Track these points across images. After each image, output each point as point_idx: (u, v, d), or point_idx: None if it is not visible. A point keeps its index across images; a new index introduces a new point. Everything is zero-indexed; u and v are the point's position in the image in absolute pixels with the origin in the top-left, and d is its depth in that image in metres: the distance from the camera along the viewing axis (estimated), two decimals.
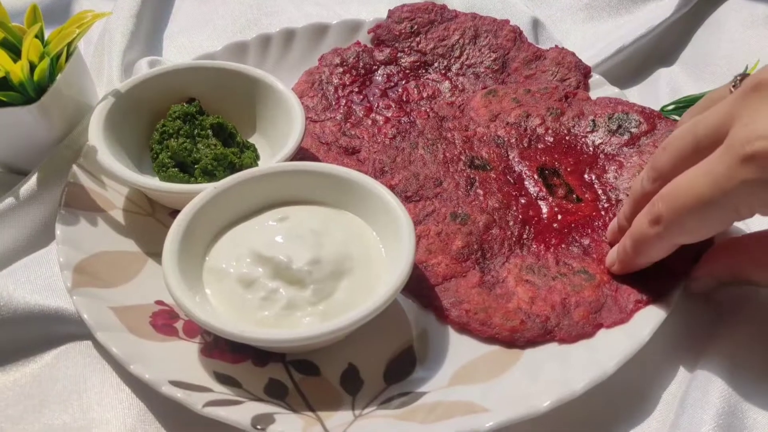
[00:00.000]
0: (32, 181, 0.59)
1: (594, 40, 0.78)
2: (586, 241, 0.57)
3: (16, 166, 0.63)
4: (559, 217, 0.58)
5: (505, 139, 0.65)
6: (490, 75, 0.72)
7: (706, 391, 0.47)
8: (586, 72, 0.71)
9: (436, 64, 0.73)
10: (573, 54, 0.72)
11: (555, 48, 0.73)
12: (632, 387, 0.50)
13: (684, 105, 0.69)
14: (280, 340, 0.47)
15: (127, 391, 0.50)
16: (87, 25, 0.60)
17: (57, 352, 0.52)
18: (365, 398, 0.49)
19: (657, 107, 0.70)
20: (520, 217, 0.59)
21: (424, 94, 0.71)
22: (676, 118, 0.70)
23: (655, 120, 0.64)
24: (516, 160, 0.63)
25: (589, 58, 0.74)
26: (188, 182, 0.58)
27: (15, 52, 0.60)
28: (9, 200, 0.58)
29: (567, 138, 0.64)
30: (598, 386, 0.47)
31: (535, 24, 0.78)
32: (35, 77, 0.58)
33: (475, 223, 0.58)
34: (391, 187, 0.59)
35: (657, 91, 0.74)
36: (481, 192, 0.61)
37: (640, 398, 0.50)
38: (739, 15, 0.76)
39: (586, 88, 0.70)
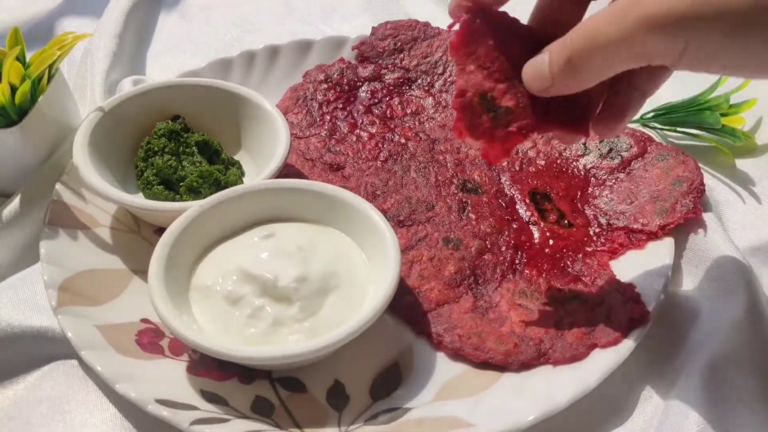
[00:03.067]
0: (15, 204, 0.59)
1: None
2: (577, 267, 0.57)
3: None
4: (551, 242, 0.59)
5: None
6: None
7: (688, 397, 0.48)
8: None
9: (419, 81, 0.74)
10: None
11: None
12: (615, 396, 0.51)
13: (663, 113, 0.70)
14: (266, 357, 0.47)
15: (112, 411, 0.49)
16: (68, 46, 0.60)
17: (40, 373, 0.51)
18: (351, 414, 0.49)
19: (637, 115, 0.71)
20: (512, 242, 0.59)
21: (408, 111, 0.71)
22: (656, 125, 0.71)
23: (645, 143, 0.65)
24: (507, 183, 0.63)
25: None
26: (173, 200, 0.58)
27: None
28: None
29: (558, 162, 0.64)
30: (582, 398, 0.48)
31: None
32: (16, 100, 0.58)
33: (467, 248, 0.58)
34: (384, 211, 0.59)
35: None
36: (473, 216, 0.61)
37: (624, 407, 0.50)
38: None
39: None
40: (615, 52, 0.40)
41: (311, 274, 0.51)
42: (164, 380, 0.49)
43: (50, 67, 0.60)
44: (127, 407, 0.49)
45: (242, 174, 0.63)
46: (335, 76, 0.73)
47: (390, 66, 0.75)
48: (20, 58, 0.60)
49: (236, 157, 0.65)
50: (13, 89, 0.58)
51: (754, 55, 0.38)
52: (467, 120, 0.44)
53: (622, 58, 0.40)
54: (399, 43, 0.76)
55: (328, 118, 0.70)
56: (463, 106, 0.44)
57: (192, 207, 0.54)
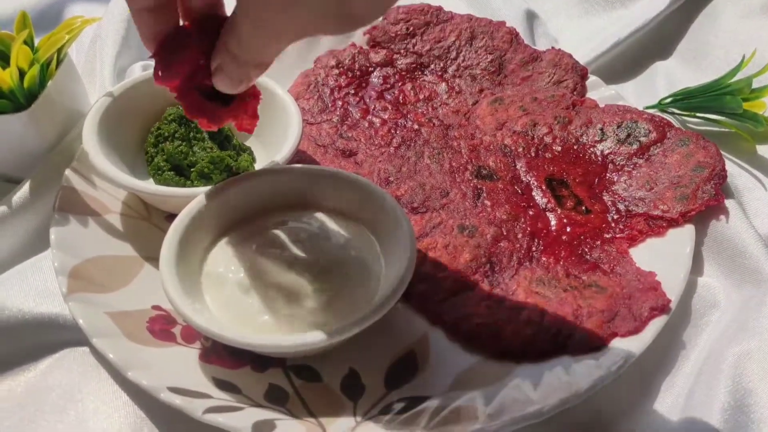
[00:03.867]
0: (25, 190, 0.59)
1: (590, 35, 0.78)
2: (595, 254, 0.56)
3: (8, 175, 0.62)
4: (568, 229, 0.58)
5: (512, 148, 0.64)
6: (487, 77, 0.72)
7: (711, 387, 0.47)
8: (582, 73, 0.71)
9: (432, 66, 0.73)
10: (570, 55, 0.72)
11: (552, 50, 0.73)
12: (636, 385, 0.50)
13: (681, 98, 0.69)
14: (279, 345, 0.46)
15: (124, 399, 0.49)
16: (77, 30, 0.59)
17: (51, 360, 0.51)
18: (366, 404, 0.48)
19: (654, 100, 0.70)
20: (529, 229, 0.58)
21: (421, 96, 0.70)
22: (675, 111, 0.70)
23: (664, 128, 0.64)
24: (523, 170, 0.62)
25: (585, 53, 0.74)
26: (184, 185, 0.58)
27: (5, 60, 0.59)
28: (1, 209, 0.57)
29: (575, 147, 0.63)
30: (602, 386, 0.47)
31: (531, 19, 0.78)
32: (25, 84, 0.57)
33: (483, 235, 0.57)
34: (397, 198, 0.58)
35: (654, 84, 0.74)
36: (488, 203, 0.60)
37: (645, 397, 0.49)
38: (735, 6, 0.77)
39: (583, 89, 0.70)
40: None
41: (324, 262, 0.50)
42: (176, 368, 0.49)
43: (59, 51, 0.60)
44: (139, 395, 0.49)
45: (254, 160, 0.62)
46: (347, 61, 0.72)
47: (402, 51, 0.73)
48: (28, 43, 0.59)
49: (247, 143, 0.64)
50: (22, 74, 0.57)
51: None
52: (206, 116, 0.48)
53: None
54: (411, 28, 0.75)
55: (340, 103, 0.69)
56: (193, 108, 0.48)
57: (203, 193, 0.53)
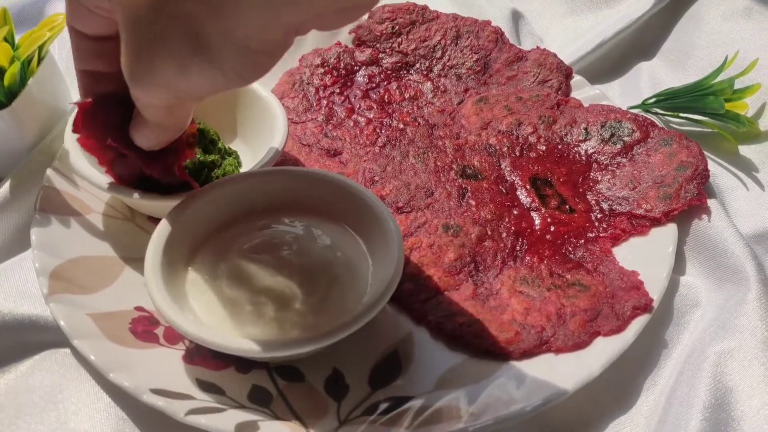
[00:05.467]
0: (5, 188, 0.58)
1: (575, 35, 0.78)
2: (579, 253, 0.56)
3: None
4: (552, 228, 0.58)
5: (497, 147, 0.64)
6: (472, 76, 0.72)
7: (692, 386, 0.47)
8: (567, 73, 0.71)
9: (417, 65, 0.73)
10: (554, 55, 0.72)
11: (537, 49, 0.73)
12: (619, 384, 0.50)
13: (665, 98, 0.69)
14: (268, 351, 0.45)
15: (106, 400, 0.49)
16: (59, 27, 0.59)
17: (32, 361, 0.51)
18: (350, 404, 0.48)
19: (638, 101, 0.70)
20: (513, 228, 0.58)
21: (406, 95, 0.70)
22: (659, 111, 0.70)
23: (648, 128, 0.64)
24: (508, 169, 0.62)
25: (570, 53, 0.74)
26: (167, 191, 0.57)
27: None
28: None
29: (559, 147, 0.64)
30: (585, 386, 0.47)
31: (517, 19, 0.78)
32: (5, 82, 0.57)
33: (467, 234, 0.57)
34: (382, 197, 0.58)
35: (638, 84, 0.74)
36: (473, 203, 0.60)
37: (627, 396, 0.50)
38: (718, 7, 0.77)
39: (568, 89, 0.70)
40: None
41: (311, 264, 0.50)
42: (159, 369, 0.48)
43: (40, 48, 0.59)
44: (121, 396, 0.48)
45: (239, 164, 0.61)
46: (332, 60, 0.72)
47: (388, 50, 0.73)
48: (9, 39, 0.58)
49: (232, 145, 0.63)
50: (2, 71, 0.57)
51: None
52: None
53: None
54: (397, 27, 0.74)
55: (325, 102, 0.69)
56: (108, 163, 0.51)
57: (187, 196, 0.52)
